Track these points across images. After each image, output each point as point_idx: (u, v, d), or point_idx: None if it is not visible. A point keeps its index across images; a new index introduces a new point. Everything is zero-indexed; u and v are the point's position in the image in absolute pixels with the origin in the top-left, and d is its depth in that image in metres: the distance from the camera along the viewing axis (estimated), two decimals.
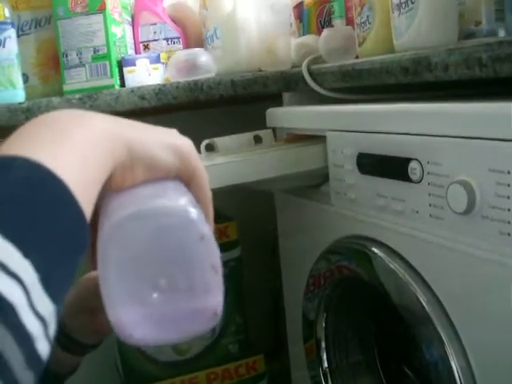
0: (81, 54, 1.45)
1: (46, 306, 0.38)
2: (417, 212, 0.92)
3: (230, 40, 1.52)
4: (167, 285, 0.50)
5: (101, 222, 0.50)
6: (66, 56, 1.45)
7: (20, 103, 1.31)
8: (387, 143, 0.98)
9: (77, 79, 1.45)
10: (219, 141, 1.23)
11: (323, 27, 1.57)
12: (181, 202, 0.51)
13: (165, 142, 0.54)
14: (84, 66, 1.45)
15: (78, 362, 0.85)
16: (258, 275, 1.85)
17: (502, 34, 1.03)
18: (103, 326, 0.79)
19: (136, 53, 1.63)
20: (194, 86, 1.38)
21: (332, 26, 1.49)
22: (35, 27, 1.50)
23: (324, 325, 1.27)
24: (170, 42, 1.64)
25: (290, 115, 1.35)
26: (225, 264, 1.68)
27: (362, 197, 1.07)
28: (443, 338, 0.88)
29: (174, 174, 0.55)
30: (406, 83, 1.00)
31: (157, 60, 1.52)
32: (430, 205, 0.89)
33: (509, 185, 0.74)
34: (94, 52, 1.45)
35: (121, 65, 1.48)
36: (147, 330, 0.50)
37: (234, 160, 1.13)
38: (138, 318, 0.50)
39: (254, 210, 1.73)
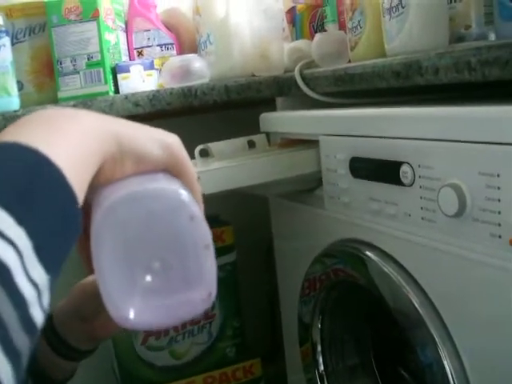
0: (75, 61, 1.45)
1: (40, 273, 0.39)
2: (409, 215, 0.93)
3: (223, 45, 1.53)
4: (161, 267, 0.51)
5: (93, 212, 0.50)
6: (61, 63, 1.46)
7: (15, 111, 1.31)
8: (379, 147, 0.99)
9: (71, 86, 1.46)
10: (213, 146, 1.24)
11: (316, 32, 1.57)
12: (171, 185, 0.52)
13: (153, 136, 0.55)
14: (78, 73, 1.46)
15: (74, 367, 0.85)
16: (254, 279, 1.85)
17: (492, 37, 1.04)
18: (98, 331, 0.80)
19: (130, 59, 1.64)
20: (188, 91, 1.39)
21: (325, 30, 1.49)
22: (29, 35, 1.50)
23: (320, 328, 1.27)
24: (163, 48, 1.65)
25: (284, 120, 1.36)
26: (221, 268, 1.68)
27: (355, 201, 1.07)
28: (436, 340, 0.89)
29: (163, 168, 0.55)
30: (398, 87, 1.01)
31: (150, 66, 1.53)
32: (421, 208, 0.90)
33: (499, 188, 0.75)
34: (88, 59, 1.45)
35: (115, 71, 1.49)
36: (143, 314, 0.51)
37: (228, 165, 1.13)
38: (133, 301, 0.51)
39: (250, 214, 1.73)
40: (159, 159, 0.55)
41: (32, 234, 0.39)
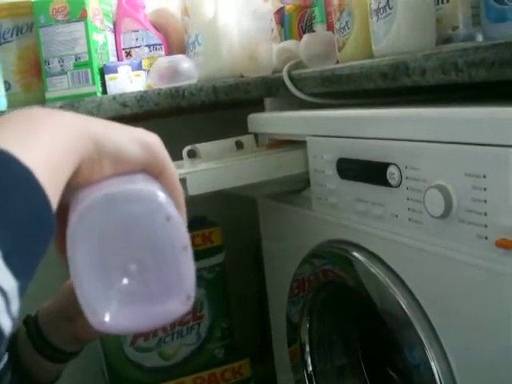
0: (62, 61, 1.45)
1: (8, 281, 0.38)
2: (396, 216, 0.93)
3: (211, 46, 1.53)
4: (138, 270, 0.50)
5: (70, 213, 0.50)
6: (48, 64, 1.45)
7: (1, 111, 1.31)
8: (366, 148, 0.99)
9: (59, 87, 1.45)
10: (201, 147, 1.23)
11: (305, 32, 1.58)
12: (147, 186, 0.52)
13: (132, 136, 0.55)
14: (66, 73, 1.45)
15: (60, 369, 0.85)
16: (242, 280, 1.85)
17: (479, 38, 1.04)
18: (82, 332, 0.79)
19: (118, 60, 1.63)
20: (176, 92, 1.39)
21: (313, 31, 1.50)
22: (17, 35, 1.50)
23: (308, 328, 1.27)
24: (152, 49, 1.65)
25: (272, 121, 1.36)
26: (209, 269, 1.68)
27: (342, 202, 1.07)
28: (424, 341, 0.89)
29: (142, 168, 0.55)
30: (385, 88, 1.01)
31: (138, 67, 1.53)
32: (408, 209, 0.90)
33: (485, 189, 0.75)
34: (76, 59, 1.45)
35: (103, 72, 1.48)
36: (119, 317, 0.50)
37: (215, 166, 1.13)
38: (110, 304, 0.50)
39: (238, 215, 1.74)
40: (138, 159, 0.54)
41: (0, 241, 0.38)
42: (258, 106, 1.47)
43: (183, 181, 1.04)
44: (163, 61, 1.50)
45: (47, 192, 0.43)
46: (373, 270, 0.99)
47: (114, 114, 1.34)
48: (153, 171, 0.56)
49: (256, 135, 1.36)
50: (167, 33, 1.69)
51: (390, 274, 0.96)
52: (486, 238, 0.76)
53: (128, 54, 1.64)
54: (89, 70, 1.45)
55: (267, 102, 1.47)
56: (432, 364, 0.88)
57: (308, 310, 1.25)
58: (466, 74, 0.82)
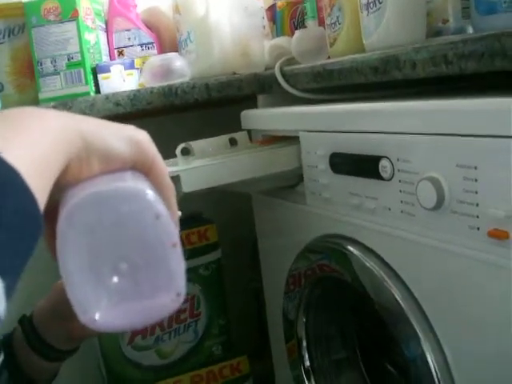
0: (55, 61, 1.45)
1: None
2: (389, 209, 0.93)
3: (203, 44, 1.53)
4: (128, 268, 0.51)
5: (59, 211, 0.50)
6: (41, 64, 1.45)
7: None
8: (358, 142, 0.99)
9: (52, 87, 1.46)
10: (195, 144, 1.24)
11: (297, 28, 1.58)
12: (136, 184, 0.52)
13: (121, 133, 0.55)
14: (59, 73, 1.45)
15: (56, 368, 0.85)
16: (239, 276, 1.85)
17: (469, 31, 1.04)
18: (77, 331, 0.80)
19: (111, 59, 1.63)
20: (169, 90, 1.39)
21: (305, 26, 1.50)
22: (9, 36, 1.50)
23: (304, 324, 1.28)
24: (144, 48, 1.65)
25: (265, 117, 1.36)
26: (206, 266, 1.68)
27: (336, 196, 1.08)
28: (419, 334, 0.89)
29: (131, 165, 0.55)
30: (377, 82, 1.01)
31: (131, 66, 1.53)
32: (401, 202, 0.90)
33: (476, 180, 0.75)
34: (69, 59, 1.45)
35: (95, 72, 1.48)
36: (110, 315, 0.50)
37: (209, 163, 1.13)
38: (100, 302, 0.50)
39: (233, 211, 1.74)
40: (127, 157, 0.54)
41: None
42: (250, 102, 1.48)
43: (177, 178, 1.04)
44: (156, 59, 1.51)
45: (34, 191, 0.43)
46: (367, 264, 0.99)
47: (108, 114, 1.34)
48: (142, 168, 0.56)
49: (249, 132, 1.36)
50: (159, 31, 1.69)
51: (385, 268, 0.97)
52: (479, 228, 0.76)
53: (120, 54, 1.64)
54: (81, 70, 1.45)
55: (260, 98, 1.47)
56: (428, 357, 0.88)
57: (304, 305, 1.25)
58: (456, 66, 0.82)
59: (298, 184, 1.23)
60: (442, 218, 0.82)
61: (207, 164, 1.13)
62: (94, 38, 1.52)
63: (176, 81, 1.44)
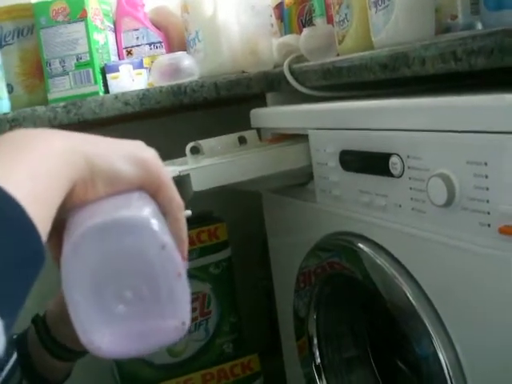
0: (64, 62, 1.45)
1: None
2: (399, 206, 0.93)
3: (211, 42, 1.53)
4: (133, 297, 0.51)
5: (64, 237, 0.50)
6: (50, 65, 1.46)
7: (5, 113, 1.31)
8: (368, 139, 0.99)
9: (61, 87, 1.46)
10: (204, 143, 1.24)
11: (304, 26, 1.57)
12: (141, 212, 0.51)
13: (126, 154, 0.54)
14: (68, 74, 1.46)
15: (69, 368, 0.85)
16: (249, 274, 1.85)
17: (478, 26, 1.04)
18: None
19: (119, 59, 1.64)
20: (178, 89, 1.39)
21: (313, 24, 1.50)
22: (18, 37, 1.50)
23: (315, 321, 1.28)
24: (152, 47, 1.65)
25: (274, 115, 1.36)
26: (216, 265, 1.68)
27: (346, 193, 1.08)
28: (431, 331, 0.89)
29: (138, 186, 0.54)
30: (386, 79, 1.01)
31: (140, 65, 1.53)
32: (411, 199, 0.90)
33: (487, 176, 0.75)
34: (77, 60, 1.45)
35: (104, 71, 1.49)
36: (115, 343, 0.51)
37: (219, 162, 1.13)
38: (105, 330, 0.50)
39: (243, 210, 1.74)
40: (133, 177, 0.54)
41: None
42: (259, 100, 1.47)
43: (187, 177, 1.04)
44: (164, 58, 1.51)
45: (36, 221, 0.42)
46: (378, 261, 0.99)
47: (117, 113, 1.34)
48: (150, 189, 0.55)
49: (259, 130, 1.36)
50: (167, 30, 1.69)
51: (396, 265, 0.96)
52: (489, 225, 0.76)
53: (129, 53, 1.65)
54: (90, 70, 1.45)
55: (269, 96, 1.47)
56: (440, 354, 0.88)
57: (315, 302, 1.25)
58: (466, 62, 0.82)
59: (308, 182, 1.22)
60: (452, 214, 0.82)
61: (217, 163, 1.13)
62: (103, 38, 1.52)
63: (185, 80, 1.44)
